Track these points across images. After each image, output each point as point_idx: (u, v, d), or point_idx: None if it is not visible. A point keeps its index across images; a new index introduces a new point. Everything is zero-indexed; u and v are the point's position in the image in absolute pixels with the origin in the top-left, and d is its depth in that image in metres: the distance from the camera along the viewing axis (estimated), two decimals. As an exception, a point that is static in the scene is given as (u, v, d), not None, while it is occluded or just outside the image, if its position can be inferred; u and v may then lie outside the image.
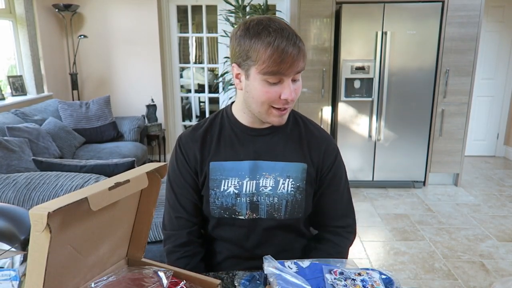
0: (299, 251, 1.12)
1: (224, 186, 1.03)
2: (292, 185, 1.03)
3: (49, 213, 0.55)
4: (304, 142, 1.07)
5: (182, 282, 0.80)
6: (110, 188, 0.67)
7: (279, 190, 1.02)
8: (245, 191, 1.02)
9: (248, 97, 0.98)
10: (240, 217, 1.04)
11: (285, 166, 1.03)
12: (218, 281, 0.82)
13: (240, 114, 1.06)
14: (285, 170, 1.03)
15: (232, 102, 1.10)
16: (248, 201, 1.03)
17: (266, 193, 1.02)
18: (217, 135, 1.07)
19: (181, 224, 1.08)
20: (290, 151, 1.05)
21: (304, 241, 1.14)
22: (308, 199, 1.05)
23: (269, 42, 0.89)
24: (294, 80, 0.94)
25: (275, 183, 1.03)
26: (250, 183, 1.03)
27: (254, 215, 1.03)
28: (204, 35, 4.39)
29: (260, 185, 1.03)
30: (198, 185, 1.07)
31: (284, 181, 1.03)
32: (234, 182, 1.03)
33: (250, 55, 0.91)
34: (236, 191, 1.02)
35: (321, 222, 1.12)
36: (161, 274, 0.77)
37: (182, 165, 1.06)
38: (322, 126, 1.15)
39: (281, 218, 1.03)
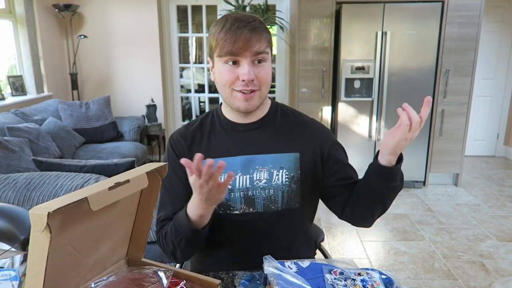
0: (299, 247, 1.12)
1: None
2: (286, 176, 1.04)
3: (49, 213, 0.55)
4: (295, 132, 1.08)
5: (182, 282, 0.80)
6: (110, 188, 0.67)
7: (274, 181, 1.04)
8: (239, 186, 1.04)
9: (217, 85, 1.03)
10: (235, 211, 1.04)
11: (277, 158, 1.04)
12: (218, 281, 0.82)
13: (226, 110, 1.09)
14: (278, 162, 1.04)
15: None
16: (242, 196, 1.04)
17: (261, 186, 1.03)
18: (208, 133, 1.09)
19: (165, 220, 1.08)
20: (281, 142, 1.06)
21: (305, 236, 1.14)
22: (304, 188, 1.06)
23: (224, 26, 0.95)
24: (257, 62, 0.96)
25: (269, 175, 1.04)
26: (243, 178, 1.04)
27: (251, 209, 1.04)
28: (204, 35, 4.39)
29: (254, 179, 1.04)
30: (188, 183, 1.07)
31: (278, 173, 1.04)
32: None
33: (212, 44, 0.98)
34: (230, 187, 1.03)
35: (347, 191, 1.09)
36: (161, 274, 0.77)
37: (173, 163, 1.07)
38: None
39: (278, 210, 1.04)
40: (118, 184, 0.69)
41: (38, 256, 0.60)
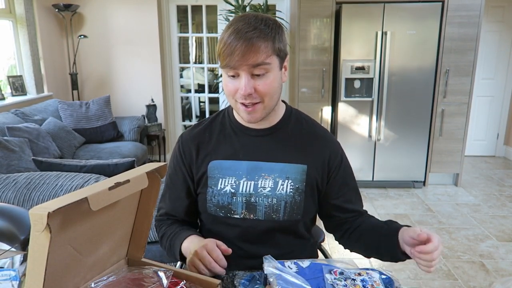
0: (300, 254, 1.11)
1: (221, 184, 1.03)
2: (291, 186, 1.02)
3: (49, 213, 0.55)
4: (306, 143, 1.07)
5: (182, 282, 0.80)
6: (110, 188, 0.67)
7: (278, 191, 1.02)
8: (242, 191, 1.03)
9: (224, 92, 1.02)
10: (235, 216, 1.04)
11: (284, 167, 1.03)
12: (218, 281, 0.82)
13: (237, 114, 1.07)
14: (284, 171, 1.03)
15: None
16: (244, 201, 1.03)
17: (265, 194, 1.02)
18: (217, 134, 1.08)
19: (162, 214, 1.15)
20: (290, 152, 1.05)
21: (304, 243, 1.14)
22: (307, 201, 1.05)
23: (223, 37, 0.92)
24: (257, 75, 0.93)
25: (274, 184, 1.02)
26: (247, 183, 1.03)
27: (252, 216, 1.03)
28: (204, 35, 4.39)
29: (259, 186, 1.02)
30: (189, 184, 1.09)
31: (283, 182, 1.02)
32: (231, 181, 1.03)
33: (217, 50, 0.96)
34: (233, 190, 1.03)
35: (347, 213, 1.10)
36: (161, 274, 0.77)
37: (177, 163, 1.10)
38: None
39: (280, 220, 1.03)
40: (118, 184, 0.69)
41: (38, 256, 0.60)
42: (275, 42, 0.93)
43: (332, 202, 1.09)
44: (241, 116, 1.00)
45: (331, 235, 1.18)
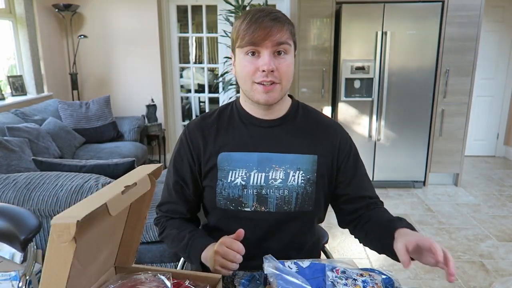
0: (307, 248, 1.11)
1: (231, 177, 1.02)
2: (303, 177, 1.02)
3: (78, 221, 0.51)
4: (315, 133, 1.06)
5: (186, 282, 0.79)
6: (123, 192, 0.65)
7: (289, 182, 1.01)
8: (252, 183, 1.01)
9: (238, 78, 1.01)
10: (246, 209, 1.02)
11: (295, 158, 1.02)
12: (219, 276, 0.81)
13: (246, 104, 1.07)
14: (295, 162, 1.02)
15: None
16: (255, 193, 1.01)
17: (276, 186, 1.01)
18: (226, 126, 1.07)
19: (166, 211, 1.12)
20: (300, 142, 1.04)
21: (313, 237, 1.13)
22: (319, 191, 1.04)
23: (245, 18, 0.95)
24: (278, 54, 0.96)
25: (285, 175, 1.02)
26: (258, 175, 1.01)
27: (263, 208, 1.02)
28: (204, 35, 4.39)
29: (270, 178, 1.01)
30: (196, 175, 1.07)
31: (294, 174, 1.02)
32: (242, 173, 1.02)
33: (233, 37, 0.98)
34: (243, 183, 1.01)
35: (358, 203, 1.08)
36: (162, 277, 0.76)
37: (184, 153, 1.07)
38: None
39: (291, 211, 1.02)
40: (128, 188, 0.67)
41: (58, 270, 0.56)
42: (292, 28, 0.99)
43: (344, 191, 1.08)
44: (256, 98, 0.98)
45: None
